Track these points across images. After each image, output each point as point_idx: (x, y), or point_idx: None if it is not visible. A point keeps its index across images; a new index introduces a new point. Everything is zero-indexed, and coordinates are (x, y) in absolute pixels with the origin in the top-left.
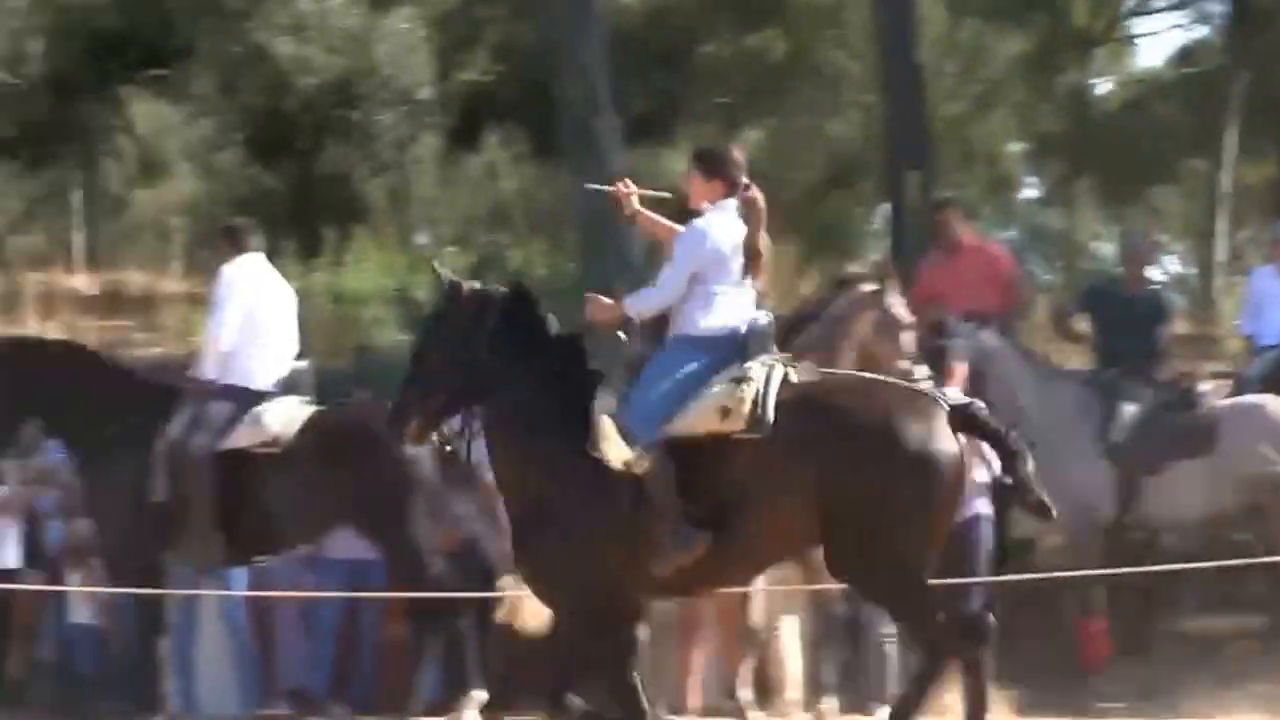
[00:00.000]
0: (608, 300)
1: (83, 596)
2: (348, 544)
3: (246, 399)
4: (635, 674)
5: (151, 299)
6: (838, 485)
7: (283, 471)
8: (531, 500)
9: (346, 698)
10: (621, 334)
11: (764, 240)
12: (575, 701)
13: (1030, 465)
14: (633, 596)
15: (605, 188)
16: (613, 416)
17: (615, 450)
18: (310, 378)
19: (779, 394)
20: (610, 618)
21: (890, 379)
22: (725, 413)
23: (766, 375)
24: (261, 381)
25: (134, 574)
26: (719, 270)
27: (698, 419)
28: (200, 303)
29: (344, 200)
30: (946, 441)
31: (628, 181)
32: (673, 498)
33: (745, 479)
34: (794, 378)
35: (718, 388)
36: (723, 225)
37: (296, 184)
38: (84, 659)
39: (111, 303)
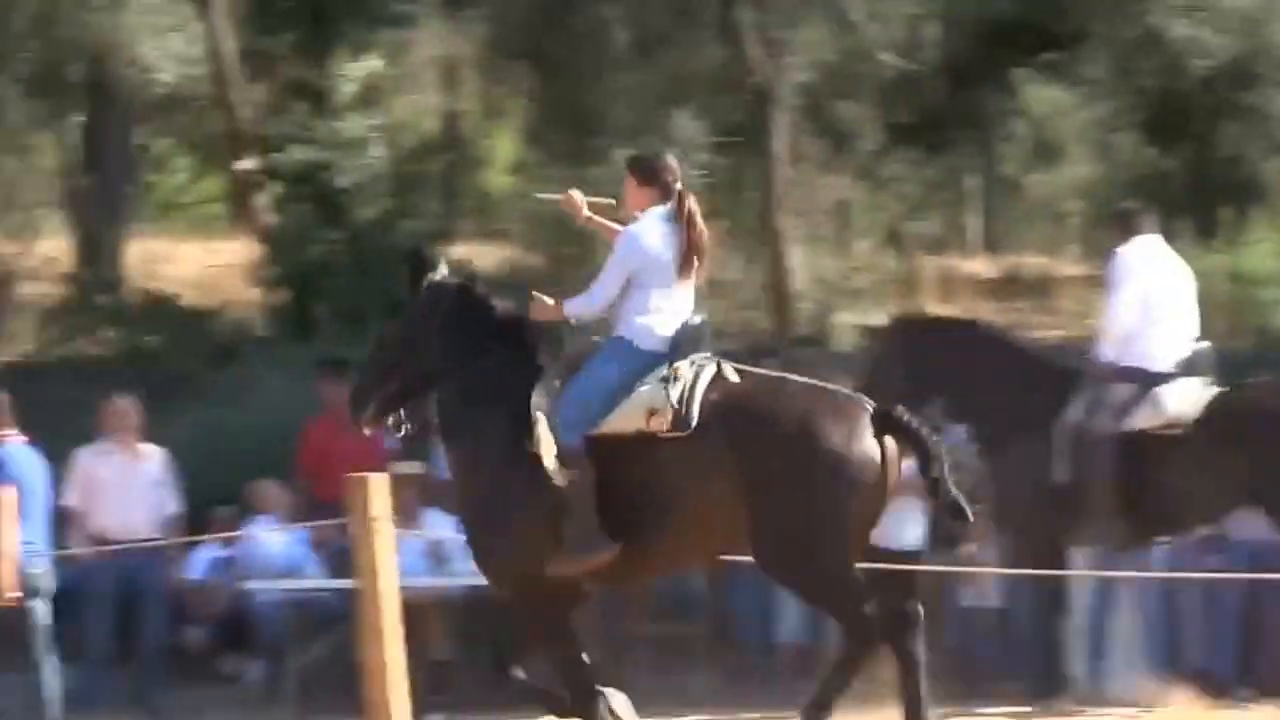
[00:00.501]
0: (549, 301)
1: (984, 578)
2: (1251, 526)
3: (1146, 381)
4: (583, 653)
5: (1048, 282)
6: (760, 483)
7: (1183, 453)
8: (471, 488)
9: (1252, 681)
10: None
11: (702, 241)
12: (520, 676)
13: (948, 468)
14: (565, 583)
15: (554, 195)
16: (547, 415)
17: (546, 451)
18: (1210, 359)
19: (708, 393)
20: (548, 602)
21: (816, 381)
22: (652, 412)
23: (695, 375)
24: (1161, 363)
25: (1036, 555)
26: (653, 275)
27: (626, 418)
28: (1097, 286)
29: (1240, 182)
30: (866, 442)
31: (576, 191)
32: (587, 505)
33: (671, 476)
34: (729, 375)
35: (646, 388)
36: (653, 231)
37: (1191, 166)
38: (984, 641)
39: (1008, 287)
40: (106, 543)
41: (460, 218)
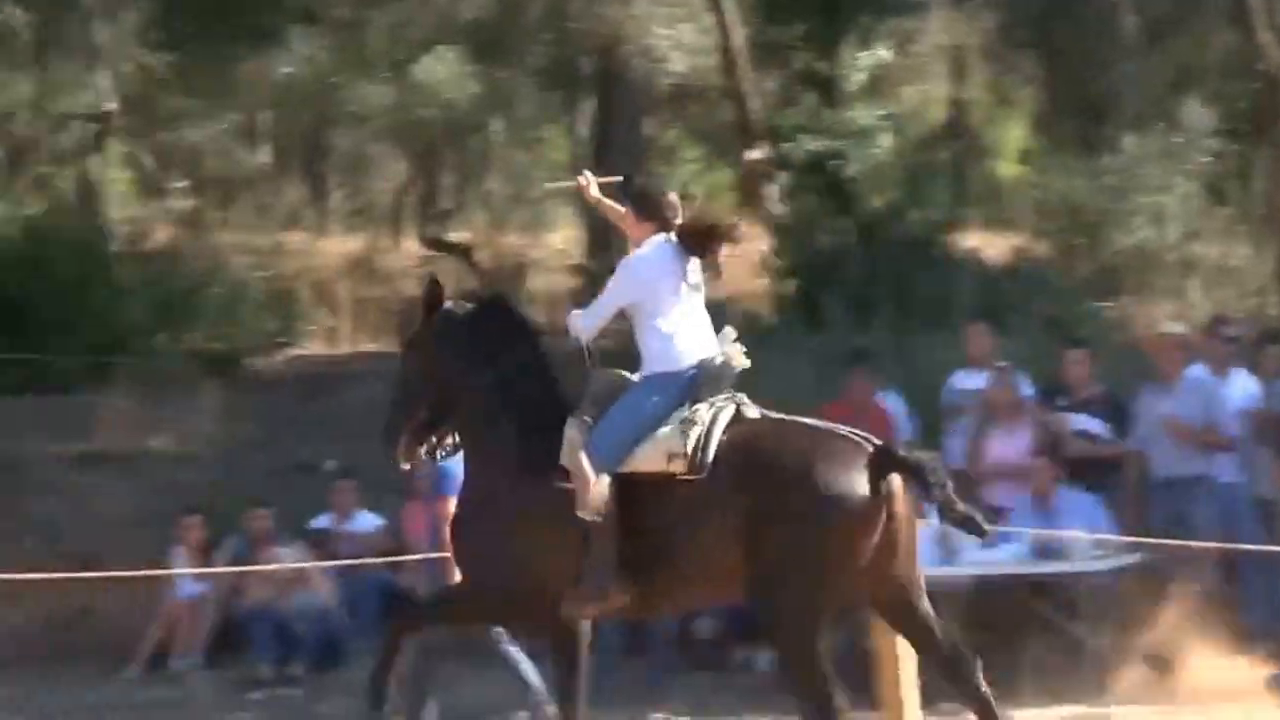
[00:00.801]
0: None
1: None
2: None
3: None
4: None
5: None
6: (754, 522)
7: None
8: (489, 510)
9: None
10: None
11: (716, 260)
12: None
13: (950, 486)
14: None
15: (566, 183)
16: (582, 449)
17: (585, 485)
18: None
19: (726, 433)
20: (553, 627)
21: (820, 422)
22: (671, 456)
23: (712, 417)
24: None
25: None
26: (659, 304)
27: (647, 459)
28: None
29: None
30: (857, 483)
31: (586, 173)
32: (610, 549)
33: (685, 518)
34: (748, 414)
35: (666, 429)
36: (652, 260)
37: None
38: None
39: None
40: None
41: (968, 206)
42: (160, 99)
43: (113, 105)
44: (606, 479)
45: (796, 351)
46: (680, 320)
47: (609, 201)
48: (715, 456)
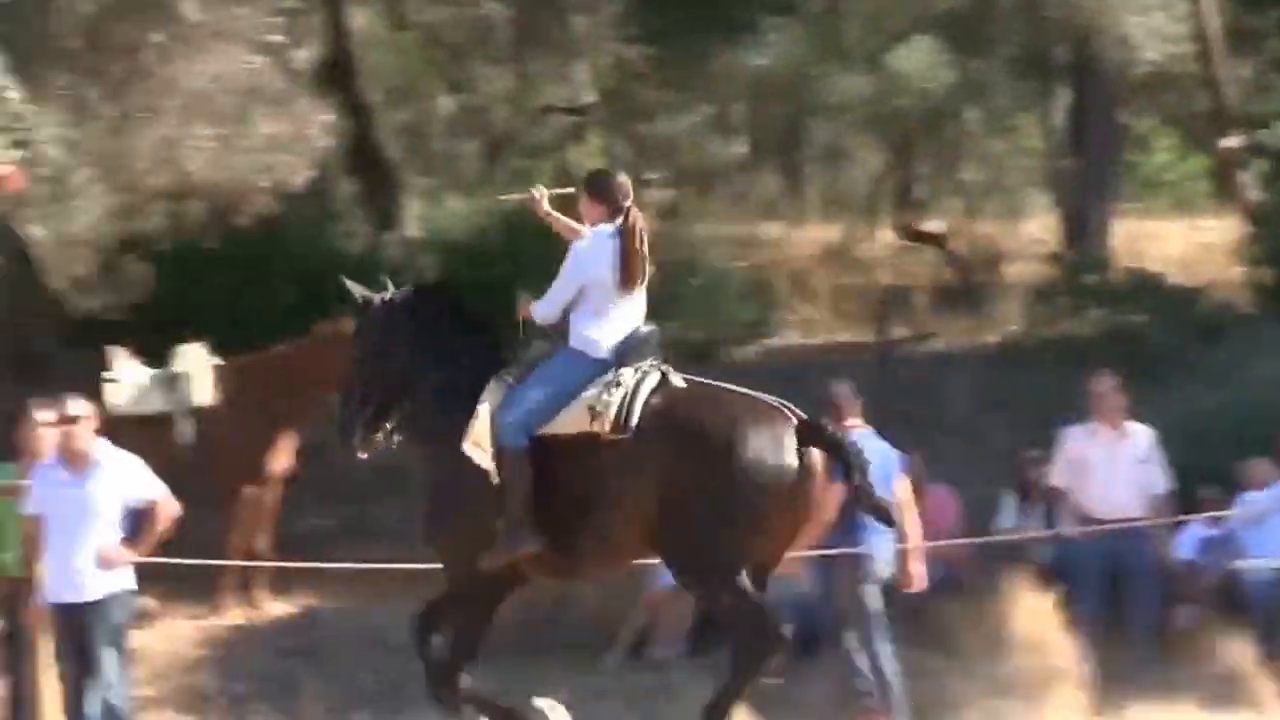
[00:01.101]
0: (530, 303)
1: None
2: None
3: None
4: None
5: None
6: (675, 483)
7: None
8: (430, 485)
9: None
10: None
11: (641, 258)
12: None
13: (868, 472)
14: (506, 574)
15: (519, 195)
16: (493, 415)
17: (480, 450)
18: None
19: (650, 398)
20: (486, 591)
21: (751, 392)
22: (594, 414)
23: (637, 381)
24: None
25: None
26: (596, 289)
27: (571, 420)
28: None
29: None
30: (785, 453)
31: (540, 187)
32: (519, 502)
33: (609, 476)
34: (674, 382)
35: (591, 391)
36: (596, 246)
37: None
38: None
39: None
40: (1094, 522)
41: None
42: (637, 91)
43: (591, 98)
44: (485, 425)
45: (1273, 340)
46: (610, 308)
47: (564, 219)
48: (640, 419)
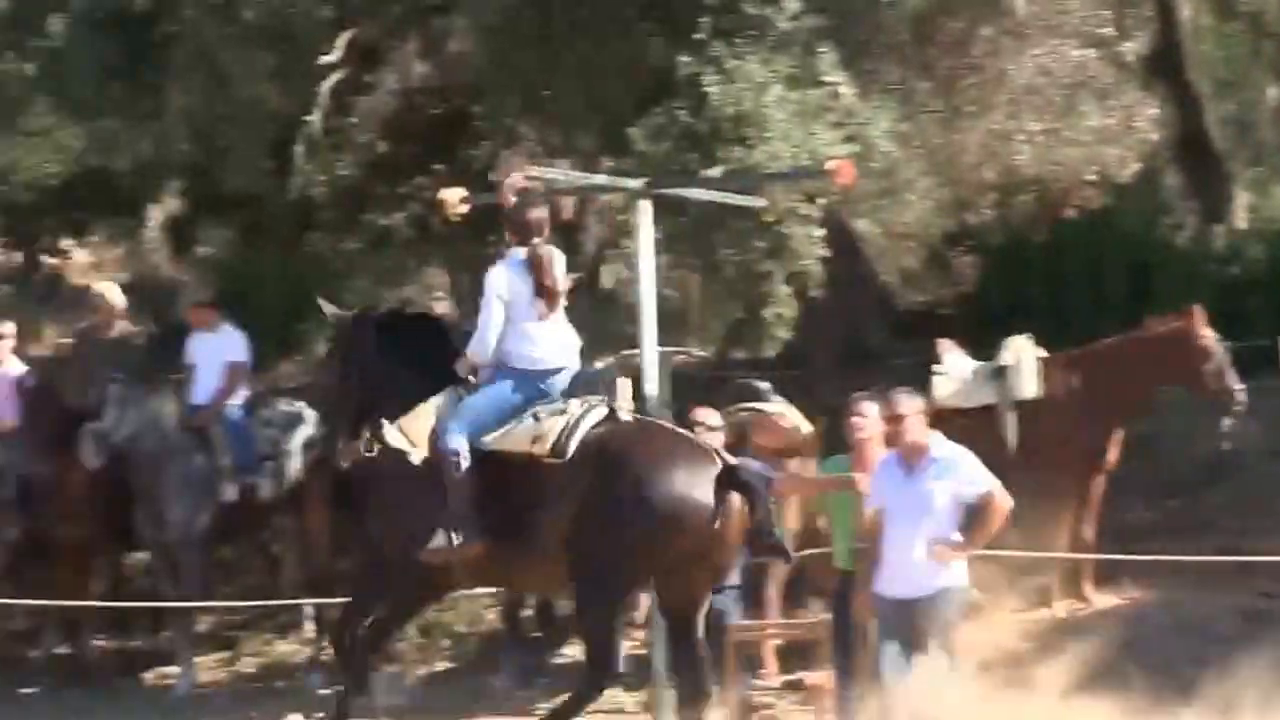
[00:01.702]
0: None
1: None
2: None
3: None
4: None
5: None
6: (587, 505)
7: None
8: (379, 486)
9: None
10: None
11: (551, 286)
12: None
13: (771, 515)
14: (441, 576)
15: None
16: (440, 420)
17: (407, 441)
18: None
19: (594, 430)
20: (420, 589)
21: (687, 433)
22: (536, 438)
23: (582, 412)
24: None
25: None
26: (518, 310)
27: (515, 440)
28: None
29: None
30: (699, 492)
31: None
32: (462, 502)
33: (540, 496)
34: (621, 418)
35: (536, 419)
36: (505, 274)
37: None
38: None
39: None
40: None
41: None
42: None
43: None
44: (426, 424)
45: None
46: (536, 326)
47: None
48: (577, 448)
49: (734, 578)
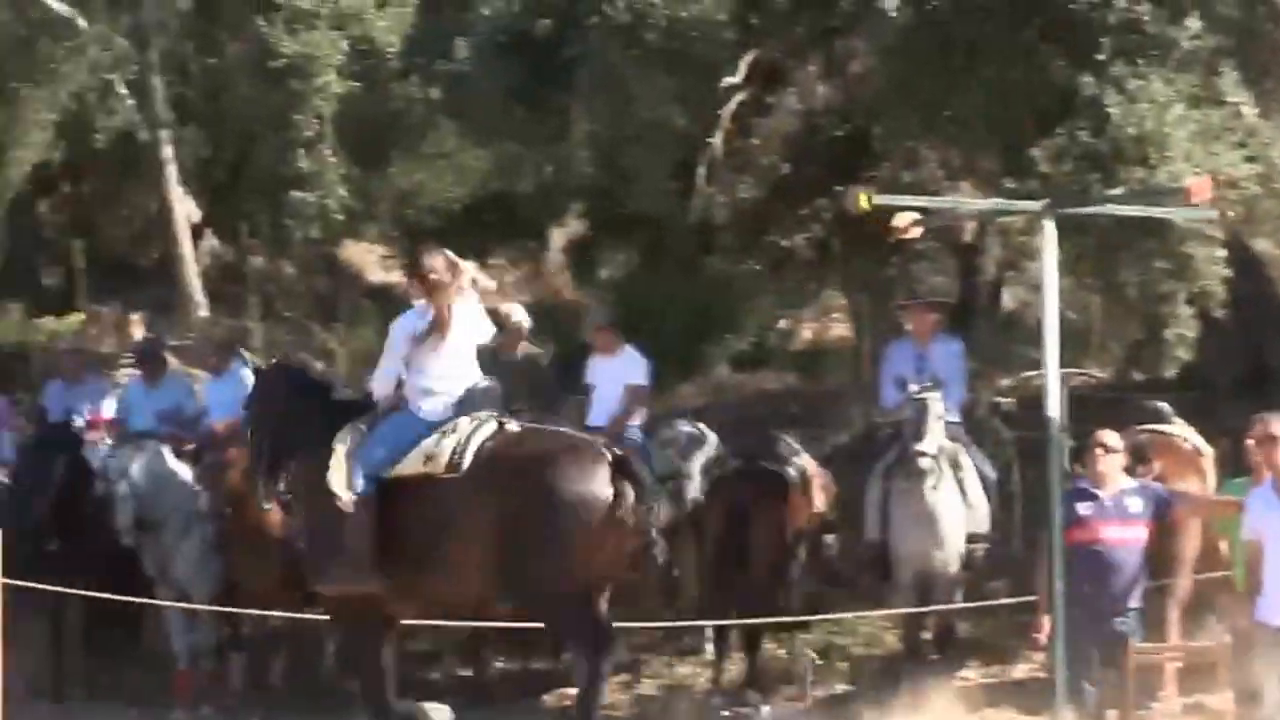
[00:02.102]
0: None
1: None
2: None
3: None
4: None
5: None
6: (500, 514)
7: None
8: (301, 524)
9: None
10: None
11: (442, 328)
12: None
13: (659, 510)
14: (370, 609)
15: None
16: (347, 459)
17: (347, 490)
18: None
19: (485, 442)
20: (358, 621)
21: (574, 433)
22: (429, 458)
23: (473, 428)
24: None
25: None
26: (417, 357)
27: (409, 463)
28: None
29: None
30: (598, 485)
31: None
32: (361, 537)
33: (445, 515)
34: (510, 429)
35: (428, 440)
36: (408, 325)
37: None
38: None
39: None
40: None
41: None
42: None
43: None
44: (342, 470)
45: None
46: (437, 373)
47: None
48: (472, 461)
49: (1136, 599)
